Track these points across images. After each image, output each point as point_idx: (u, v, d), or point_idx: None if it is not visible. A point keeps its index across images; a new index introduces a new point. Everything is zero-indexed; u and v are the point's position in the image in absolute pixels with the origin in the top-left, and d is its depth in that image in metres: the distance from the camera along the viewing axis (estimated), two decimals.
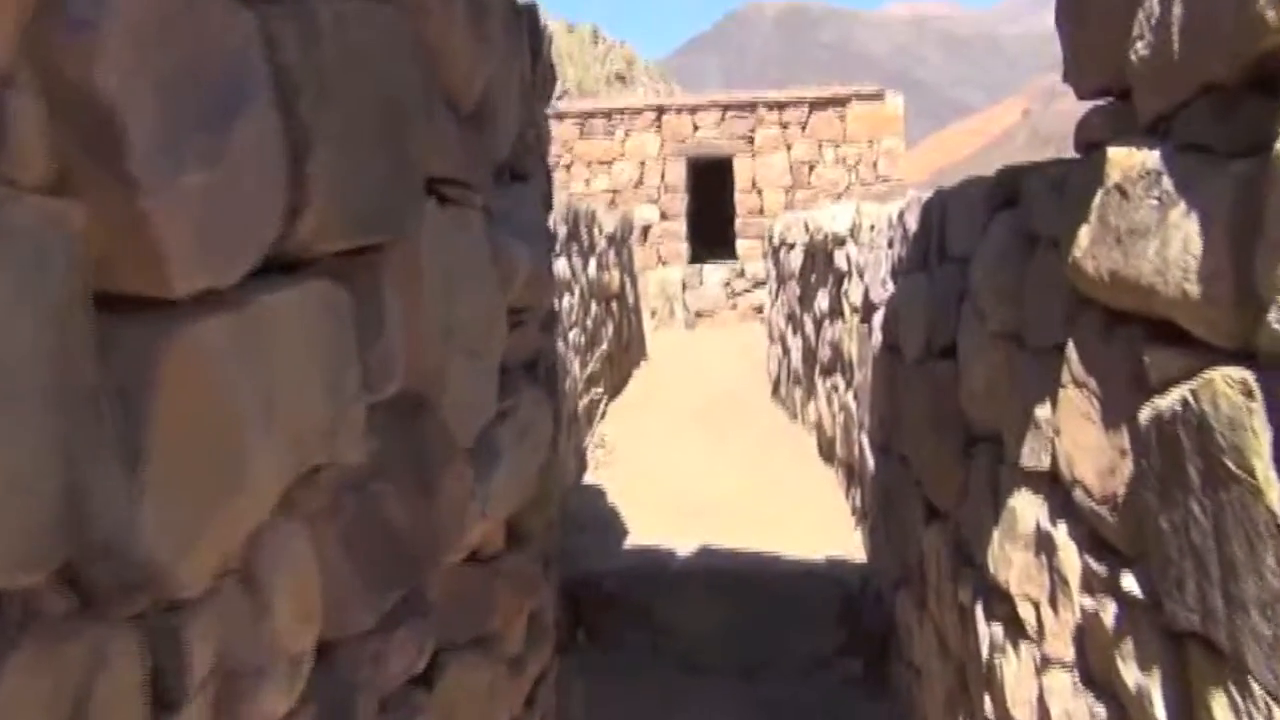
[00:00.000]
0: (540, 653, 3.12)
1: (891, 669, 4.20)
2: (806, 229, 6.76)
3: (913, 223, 3.83)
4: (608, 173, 17.29)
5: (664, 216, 17.20)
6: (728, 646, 4.67)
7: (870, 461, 4.68)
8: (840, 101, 16.82)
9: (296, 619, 1.43)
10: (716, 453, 7.18)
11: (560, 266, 6.94)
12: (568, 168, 17.27)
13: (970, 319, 2.94)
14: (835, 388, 6.06)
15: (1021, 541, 2.45)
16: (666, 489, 6.24)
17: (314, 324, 1.49)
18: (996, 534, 2.60)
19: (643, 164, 17.22)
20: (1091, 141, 2.02)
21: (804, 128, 16.84)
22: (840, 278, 5.77)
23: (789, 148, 16.83)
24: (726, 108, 17.13)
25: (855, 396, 5.22)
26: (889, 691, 4.25)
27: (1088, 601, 1.99)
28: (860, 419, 5.01)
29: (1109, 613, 1.87)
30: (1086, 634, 2.04)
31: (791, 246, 8.07)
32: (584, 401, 6.86)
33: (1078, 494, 2.04)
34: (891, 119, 16.85)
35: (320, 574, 1.57)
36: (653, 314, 15.39)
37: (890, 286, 4.29)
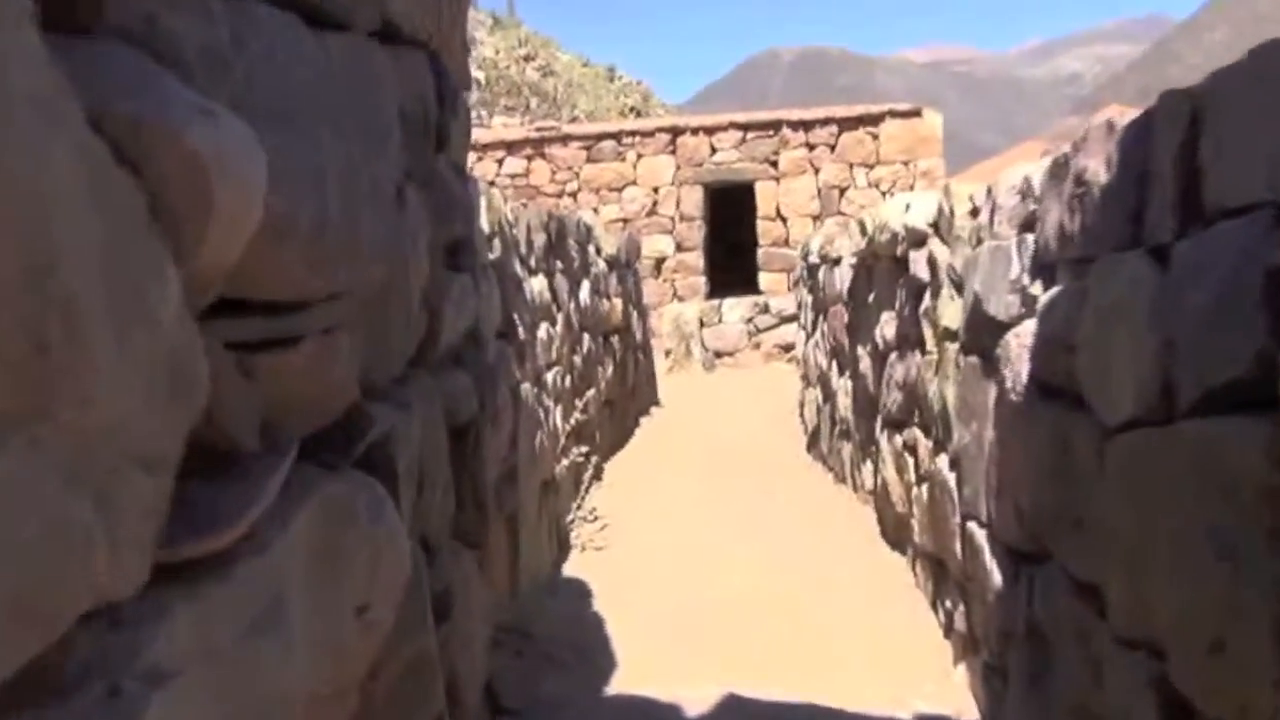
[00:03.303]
0: None
1: None
2: (862, 231, 5.07)
3: (1099, 170, 2.15)
4: (618, 200, 15.73)
5: (679, 248, 15.63)
6: None
7: (993, 573, 2.96)
8: (873, 120, 15.21)
9: None
10: (743, 530, 5.45)
11: (536, 285, 5.28)
12: (574, 195, 15.78)
13: None
14: (911, 448, 4.33)
15: None
16: (674, 588, 4.52)
17: None
18: None
19: (656, 190, 15.67)
20: None
21: (833, 149, 15.24)
22: (919, 291, 4.07)
23: (817, 171, 15.23)
24: (747, 128, 15.56)
25: (954, 465, 3.51)
26: None
27: None
28: (967, 501, 3.29)
29: None
30: None
31: (836, 262, 6.37)
32: (564, 463, 5.16)
33: None
34: (929, 138, 15.25)
35: None
36: (667, 354, 13.73)
37: (1036, 293, 2.61)
